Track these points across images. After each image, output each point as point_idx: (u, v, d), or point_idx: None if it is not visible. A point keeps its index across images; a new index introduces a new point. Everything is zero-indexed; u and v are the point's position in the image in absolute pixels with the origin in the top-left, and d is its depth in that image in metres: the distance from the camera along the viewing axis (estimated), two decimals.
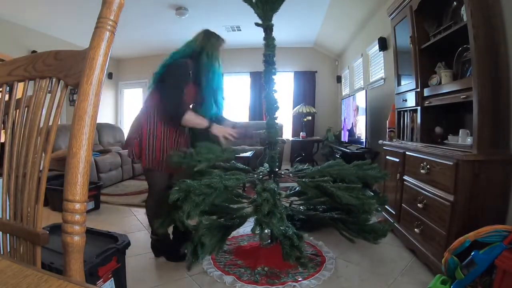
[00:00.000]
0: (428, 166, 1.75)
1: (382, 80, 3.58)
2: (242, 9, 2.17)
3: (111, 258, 1.29)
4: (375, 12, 3.67)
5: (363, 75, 4.46)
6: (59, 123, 0.86)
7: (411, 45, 2.13)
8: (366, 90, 3.74)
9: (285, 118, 5.93)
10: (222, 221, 1.72)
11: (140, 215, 2.79)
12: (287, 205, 2.14)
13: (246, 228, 2.31)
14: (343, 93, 5.78)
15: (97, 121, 0.55)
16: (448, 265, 1.32)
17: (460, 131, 1.79)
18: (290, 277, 1.66)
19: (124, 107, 7.21)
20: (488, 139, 1.46)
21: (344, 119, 4.67)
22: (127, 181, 4.30)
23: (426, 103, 2.02)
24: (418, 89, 2.08)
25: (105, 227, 2.19)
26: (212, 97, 1.85)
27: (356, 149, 3.68)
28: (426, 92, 2.02)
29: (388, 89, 3.32)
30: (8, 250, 0.68)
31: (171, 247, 1.89)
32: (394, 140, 2.52)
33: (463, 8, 1.61)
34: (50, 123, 0.63)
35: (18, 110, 0.71)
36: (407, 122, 2.33)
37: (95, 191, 2.95)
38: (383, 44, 3.41)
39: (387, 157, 2.43)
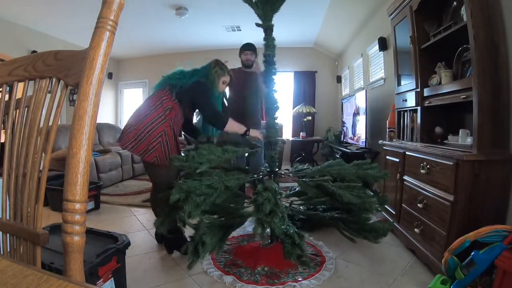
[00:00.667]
0: (428, 166, 1.75)
1: (382, 80, 3.58)
2: (242, 9, 2.18)
3: (111, 258, 1.29)
4: (375, 12, 3.67)
5: (363, 75, 4.46)
6: (59, 123, 0.86)
7: (411, 45, 2.13)
8: (366, 90, 3.74)
9: (285, 118, 5.93)
10: (223, 221, 1.72)
11: (140, 215, 2.79)
12: (287, 205, 2.14)
13: (246, 228, 2.31)
14: (343, 93, 5.78)
15: (97, 121, 0.55)
16: (448, 265, 1.32)
17: (460, 131, 1.79)
18: (290, 277, 1.66)
19: (124, 107, 7.20)
20: (488, 139, 1.46)
21: (344, 122, 4.68)
22: (127, 181, 4.29)
23: (426, 103, 2.02)
24: (418, 89, 2.08)
25: (105, 227, 2.20)
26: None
27: (356, 149, 3.68)
28: (426, 92, 2.02)
29: (388, 89, 3.32)
30: (8, 250, 0.68)
31: (184, 240, 1.91)
32: (394, 140, 2.52)
33: (463, 8, 1.61)
34: (50, 123, 0.63)
35: (18, 110, 0.71)
36: (407, 122, 2.33)
37: (95, 191, 2.95)
38: (383, 44, 3.41)
39: (387, 157, 2.43)
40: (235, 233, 2.18)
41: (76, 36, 4.80)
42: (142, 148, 1.74)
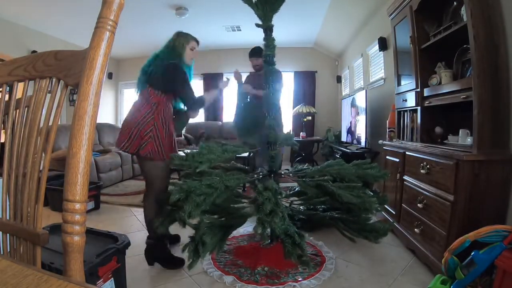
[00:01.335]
0: (428, 166, 1.75)
1: (382, 80, 3.58)
2: (242, 9, 2.17)
3: (111, 258, 1.29)
4: (375, 12, 3.66)
5: (363, 75, 4.46)
6: (59, 123, 0.86)
7: (411, 45, 2.13)
8: (366, 90, 3.74)
9: (285, 118, 5.93)
10: (223, 221, 1.72)
11: (140, 215, 2.79)
12: (287, 205, 2.14)
13: (246, 228, 2.31)
14: (343, 93, 5.78)
15: (97, 121, 0.55)
16: (448, 265, 1.32)
17: (460, 131, 1.79)
18: (290, 277, 1.66)
19: (124, 107, 7.20)
20: (488, 139, 1.46)
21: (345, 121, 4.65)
22: (127, 181, 4.29)
23: (426, 103, 2.02)
24: (418, 89, 2.08)
25: (105, 227, 2.20)
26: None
27: (356, 149, 3.68)
28: (426, 92, 2.02)
29: (388, 89, 3.32)
30: (8, 250, 0.68)
31: (167, 253, 1.86)
32: (394, 140, 2.52)
33: (463, 8, 1.61)
34: (50, 123, 0.63)
35: (18, 110, 0.71)
36: (407, 122, 2.33)
37: (95, 191, 2.95)
38: (383, 44, 3.41)
39: (387, 157, 2.43)
40: (235, 233, 2.18)
41: (76, 36, 4.80)
42: (136, 145, 1.76)
